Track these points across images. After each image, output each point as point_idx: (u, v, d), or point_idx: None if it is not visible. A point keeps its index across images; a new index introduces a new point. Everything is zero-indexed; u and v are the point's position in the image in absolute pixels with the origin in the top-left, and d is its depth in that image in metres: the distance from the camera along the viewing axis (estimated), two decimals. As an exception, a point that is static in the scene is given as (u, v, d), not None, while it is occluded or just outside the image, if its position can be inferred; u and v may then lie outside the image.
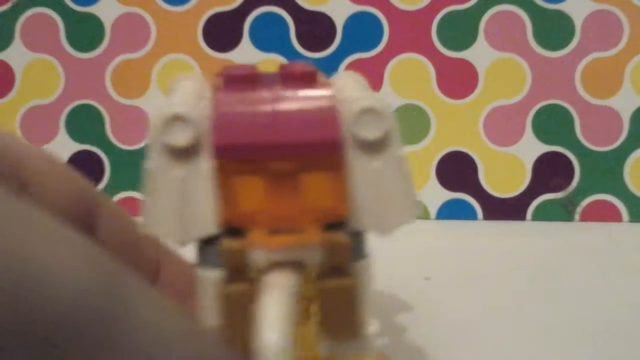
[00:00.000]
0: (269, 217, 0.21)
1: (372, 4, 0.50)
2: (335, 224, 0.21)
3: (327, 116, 0.22)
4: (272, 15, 0.50)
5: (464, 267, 0.40)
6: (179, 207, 0.22)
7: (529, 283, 0.39)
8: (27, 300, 0.15)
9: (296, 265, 0.21)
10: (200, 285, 0.22)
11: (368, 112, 0.22)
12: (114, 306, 0.16)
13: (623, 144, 0.49)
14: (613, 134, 0.49)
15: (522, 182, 0.50)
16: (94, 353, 0.16)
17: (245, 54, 0.51)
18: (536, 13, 0.49)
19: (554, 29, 0.49)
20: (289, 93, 0.22)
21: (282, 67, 0.24)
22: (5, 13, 0.52)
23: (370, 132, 0.22)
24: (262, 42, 0.51)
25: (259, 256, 0.21)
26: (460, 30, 0.50)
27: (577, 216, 0.50)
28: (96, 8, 0.51)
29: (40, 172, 0.23)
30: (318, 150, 0.21)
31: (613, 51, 0.49)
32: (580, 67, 0.49)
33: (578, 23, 0.49)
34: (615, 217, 0.50)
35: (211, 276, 0.21)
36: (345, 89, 0.23)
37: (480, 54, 0.49)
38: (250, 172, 0.21)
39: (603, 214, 0.50)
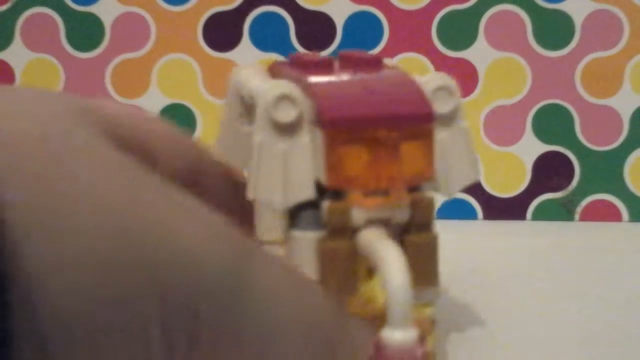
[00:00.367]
0: (370, 180, 0.24)
1: (372, 4, 0.50)
2: (414, 187, 0.25)
3: (418, 92, 0.25)
4: (272, 15, 0.50)
5: (464, 267, 0.40)
6: (282, 175, 0.25)
7: (528, 283, 0.39)
8: (170, 273, 0.17)
9: (384, 223, 0.24)
10: (296, 245, 0.25)
11: (442, 89, 0.26)
12: (245, 282, 0.18)
13: (623, 143, 0.49)
14: (613, 133, 0.49)
15: (522, 181, 0.50)
16: (225, 322, 0.18)
17: (246, 53, 0.51)
18: (536, 13, 0.49)
19: (554, 29, 0.49)
20: (372, 75, 0.26)
21: (344, 53, 0.28)
22: (5, 13, 0.52)
23: (442, 107, 0.26)
24: (262, 42, 0.51)
25: (357, 215, 0.24)
26: (460, 30, 0.50)
27: (577, 216, 0.50)
28: (96, 8, 0.51)
29: (157, 137, 0.25)
30: (418, 121, 0.24)
31: (613, 51, 0.49)
32: (580, 66, 0.49)
33: (578, 23, 0.49)
34: (615, 216, 0.50)
35: (308, 237, 0.24)
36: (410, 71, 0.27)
37: (480, 53, 0.49)
38: (356, 141, 0.24)
39: (603, 213, 0.50)
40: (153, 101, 0.51)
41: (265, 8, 0.50)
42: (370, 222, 0.24)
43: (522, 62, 0.49)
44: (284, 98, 0.25)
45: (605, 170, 0.50)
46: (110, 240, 0.16)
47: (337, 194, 0.24)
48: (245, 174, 0.29)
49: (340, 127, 0.24)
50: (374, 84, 0.26)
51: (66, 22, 0.51)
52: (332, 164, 0.24)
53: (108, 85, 0.52)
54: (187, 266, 0.17)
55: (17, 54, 0.52)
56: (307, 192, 0.25)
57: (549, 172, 0.50)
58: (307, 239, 0.25)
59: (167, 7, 0.51)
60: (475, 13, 0.49)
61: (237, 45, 0.51)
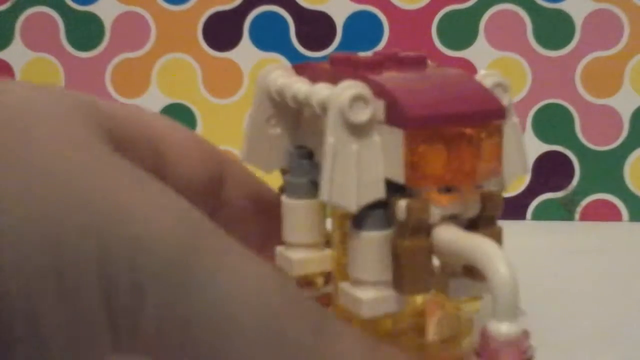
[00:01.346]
0: (448, 177, 0.24)
1: (372, 3, 0.50)
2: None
3: (484, 89, 0.25)
4: (272, 14, 0.50)
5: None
6: (356, 176, 0.25)
7: (528, 282, 0.39)
8: (113, 233, 0.17)
9: (454, 218, 0.25)
10: (363, 245, 0.25)
11: (498, 86, 0.27)
12: (192, 257, 0.17)
13: (623, 143, 0.49)
14: (613, 133, 0.49)
15: (522, 181, 0.50)
16: (167, 292, 0.17)
17: (246, 53, 0.51)
18: (536, 12, 0.49)
19: (554, 28, 0.49)
20: (428, 73, 0.26)
21: (389, 53, 0.28)
22: (5, 12, 0.52)
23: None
24: (262, 42, 0.51)
25: (434, 212, 0.24)
26: (461, 30, 0.50)
27: (577, 215, 0.50)
28: (96, 7, 0.51)
29: (175, 143, 0.25)
30: (493, 117, 0.25)
31: (613, 50, 0.49)
32: (581, 66, 0.49)
33: (578, 22, 0.49)
34: (615, 216, 0.50)
35: (376, 237, 0.25)
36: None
37: (480, 53, 0.49)
38: (436, 139, 0.24)
39: (603, 213, 0.50)
40: (153, 101, 0.51)
41: (265, 8, 0.50)
42: (444, 219, 0.25)
43: (522, 61, 0.49)
44: (358, 98, 0.25)
45: (605, 169, 0.50)
46: (58, 202, 0.17)
47: (404, 192, 0.25)
48: (269, 178, 0.30)
49: (422, 125, 0.24)
50: (439, 82, 0.26)
51: (66, 21, 0.51)
52: (413, 163, 0.24)
53: (108, 85, 0.52)
54: (135, 238, 0.17)
55: (17, 54, 0.52)
56: (379, 192, 0.25)
57: (549, 171, 0.50)
58: (376, 239, 0.25)
59: (167, 7, 0.51)
60: (475, 13, 0.49)
61: (237, 44, 0.51)
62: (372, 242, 0.25)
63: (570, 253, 0.43)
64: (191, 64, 0.51)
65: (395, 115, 0.24)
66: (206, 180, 0.26)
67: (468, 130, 0.24)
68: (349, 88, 0.25)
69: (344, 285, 0.25)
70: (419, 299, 0.27)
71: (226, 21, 0.51)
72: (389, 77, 0.26)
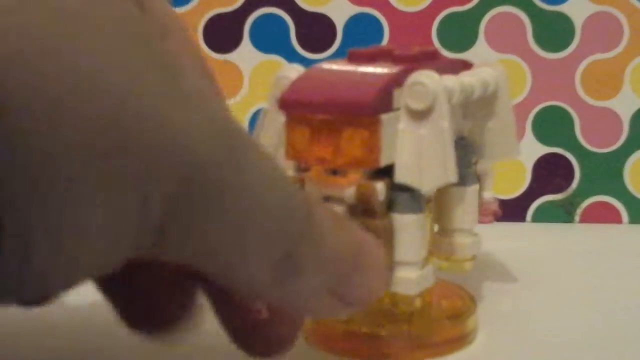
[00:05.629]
0: (311, 159, 0.27)
1: (373, 5, 0.50)
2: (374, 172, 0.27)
3: (375, 86, 0.27)
4: (273, 16, 0.50)
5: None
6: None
7: (528, 284, 0.39)
8: (160, 156, 0.18)
9: (328, 200, 0.27)
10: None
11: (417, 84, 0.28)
12: (230, 156, 0.19)
13: (623, 145, 0.49)
14: (613, 135, 0.49)
15: (522, 183, 0.50)
16: (211, 190, 0.19)
17: (246, 55, 0.51)
18: (536, 14, 0.49)
19: (554, 31, 0.49)
20: (368, 67, 0.28)
21: (419, 48, 0.30)
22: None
23: (417, 103, 0.28)
24: (262, 43, 0.51)
25: (308, 189, 0.27)
26: (460, 32, 0.50)
27: (577, 218, 0.50)
28: (96, 9, 0.51)
29: None
30: (355, 110, 0.26)
31: (613, 53, 0.49)
32: (580, 68, 0.49)
33: (578, 24, 0.49)
34: (615, 218, 0.50)
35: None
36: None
37: (480, 55, 0.49)
38: (301, 122, 0.27)
39: (603, 215, 0.50)
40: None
41: (265, 9, 0.50)
42: (319, 198, 0.27)
43: (522, 64, 0.49)
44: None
45: (605, 172, 0.50)
46: (104, 127, 0.17)
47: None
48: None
49: (290, 109, 0.27)
50: (346, 75, 0.28)
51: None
52: (287, 140, 0.27)
53: (108, 87, 0.51)
54: (177, 150, 0.18)
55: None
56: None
57: (549, 173, 0.50)
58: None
59: (168, 9, 0.51)
60: (475, 15, 0.49)
61: (238, 46, 0.51)
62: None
63: (570, 255, 0.43)
64: (191, 65, 0.51)
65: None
66: None
67: (329, 118, 0.26)
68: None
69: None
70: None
71: (226, 23, 0.51)
72: (326, 69, 0.29)
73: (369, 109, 0.26)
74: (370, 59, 0.29)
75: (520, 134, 0.50)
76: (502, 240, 0.46)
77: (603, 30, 0.49)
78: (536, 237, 0.47)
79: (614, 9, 0.49)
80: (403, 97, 0.27)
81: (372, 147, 0.26)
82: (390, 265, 0.27)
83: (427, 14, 0.50)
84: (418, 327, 0.30)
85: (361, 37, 0.50)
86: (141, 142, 0.17)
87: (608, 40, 0.49)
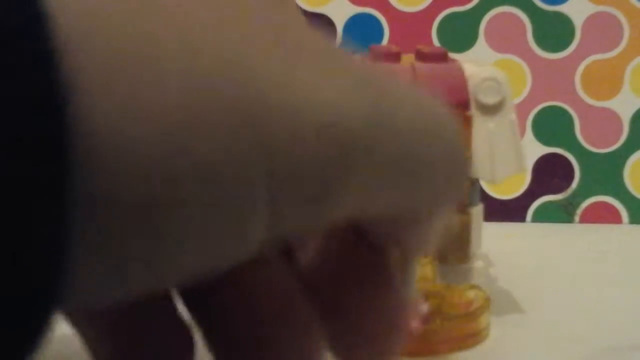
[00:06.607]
0: None
1: (373, 5, 0.50)
2: None
3: (453, 82, 0.29)
4: (273, 16, 0.50)
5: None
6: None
7: (528, 284, 0.39)
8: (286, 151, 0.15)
9: None
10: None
11: (488, 80, 0.29)
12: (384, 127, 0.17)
13: (623, 145, 0.49)
14: (613, 135, 0.49)
15: (522, 183, 0.50)
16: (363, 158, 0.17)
17: (246, 55, 0.51)
18: (536, 15, 0.49)
19: (554, 31, 0.49)
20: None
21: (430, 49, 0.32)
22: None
23: (490, 98, 0.29)
24: (262, 44, 0.51)
25: None
26: (460, 32, 0.50)
27: (577, 218, 0.50)
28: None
29: None
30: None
31: (613, 53, 0.49)
32: (580, 69, 0.49)
33: (578, 25, 0.49)
34: (615, 218, 0.50)
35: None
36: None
37: (480, 55, 0.49)
38: None
39: (603, 215, 0.50)
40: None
41: (265, 9, 0.50)
42: None
43: (522, 64, 0.49)
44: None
45: (605, 172, 0.50)
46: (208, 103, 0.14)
47: None
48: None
49: None
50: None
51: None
52: None
53: (108, 87, 0.51)
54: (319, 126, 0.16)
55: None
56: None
57: (549, 174, 0.50)
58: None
59: (168, 9, 0.51)
60: (475, 15, 0.49)
61: (238, 46, 0.51)
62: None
63: (570, 255, 0.43)
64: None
65: None
66: None
67: None
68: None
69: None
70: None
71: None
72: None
73: (464, 107, 0.27)
74: (395, 56, 0.31)
75: (521, 134, 0.50)
76: (502, 240, 0.46)
77: (603, 30, 0.49)
78: (536, 237, 0.47)
79: (614, 9, 0.49)
80: (472, 93, 0.28)
81: (466, 144, 0.27)
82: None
83: (427, 14, 0.50)
84: (434, 323, 0.30)
85: (361, 37, 0.50)
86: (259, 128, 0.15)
87: (608, 40, 0.49)
